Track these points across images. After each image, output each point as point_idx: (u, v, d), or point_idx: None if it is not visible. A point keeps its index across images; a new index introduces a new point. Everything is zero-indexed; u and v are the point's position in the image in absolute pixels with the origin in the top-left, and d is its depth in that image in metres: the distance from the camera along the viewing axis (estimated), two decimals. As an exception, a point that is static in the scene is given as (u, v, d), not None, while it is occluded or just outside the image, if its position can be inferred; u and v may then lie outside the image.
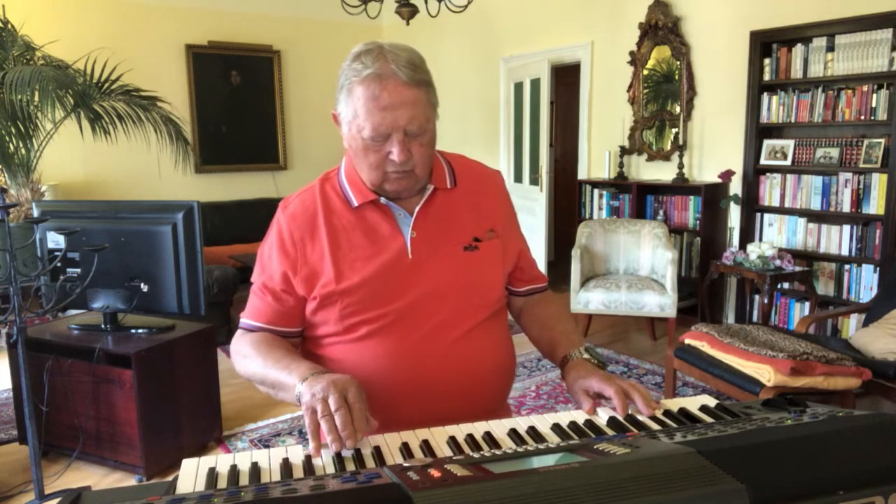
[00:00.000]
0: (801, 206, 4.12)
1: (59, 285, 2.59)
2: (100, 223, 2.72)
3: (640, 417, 1.05)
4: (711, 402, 1.07)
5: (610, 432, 1.00)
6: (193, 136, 6.49)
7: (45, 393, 2.59)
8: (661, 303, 4.01)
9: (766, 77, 4.18)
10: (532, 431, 1.00)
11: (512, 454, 0.81)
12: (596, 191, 5.31)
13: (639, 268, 4.42)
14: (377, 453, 0.93)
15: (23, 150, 4.47)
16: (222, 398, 3.03)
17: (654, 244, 4.32)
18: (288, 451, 0.94)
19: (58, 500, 2.18)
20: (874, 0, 3.60)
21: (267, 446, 1.81)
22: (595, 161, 5.51)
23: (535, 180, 5.95)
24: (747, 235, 4.39)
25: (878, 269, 3.76)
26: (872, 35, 3.65)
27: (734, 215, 4.53)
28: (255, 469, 0.88)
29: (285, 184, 7.10)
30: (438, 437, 0.99)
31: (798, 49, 4.00)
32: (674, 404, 1.08)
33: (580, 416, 1.07)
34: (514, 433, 1.00)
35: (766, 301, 3.80)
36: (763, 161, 4.27)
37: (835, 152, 3.90)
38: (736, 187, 4.47)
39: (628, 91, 5.11)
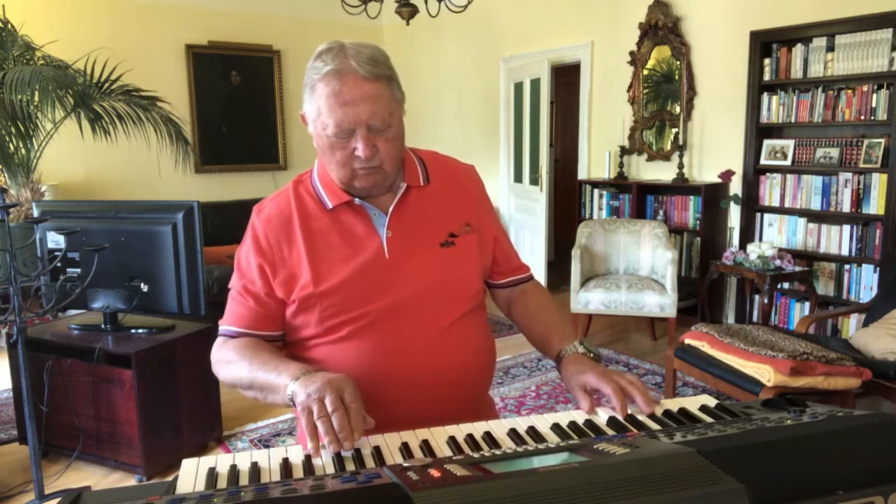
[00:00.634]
0: (801, 206, 4.12)
1: (59, 285, 2.59)
2: (100, 223, 2.72)
3: (639, 417, 1.05)
4: (711, 402, 1.07)
5: (610, 432, 1.00)
6: (193, 136, 6.49)
7: (45, 393, 2.59)
8: (661, 303, 4.01)
9: (766, 77, 4.18)
10: (532, 431, 1.00)
11: (512, 454, 0.81)
12: (596, 191, 5.31)
13: (639, 268, 4.42)
14: (377, 453, 0.93)
15: (23, 150, 4.47)
16: (222, 398, 3.03)
17: (654, 244, 4.32)
18: (288, 451, 0.94)
19: (58, 500, 2.18)
20: (874, 0, 3.60)
21: (267, 446, 1.81)
22: (595, 161, 5.51)
23: (535, 180, 5.95)
24: (747, 235, 4.39)
25: (878, 269, 3.76)
26: (872, 35, 3.65)
27: (734, 215, 4.53)
28: (255, 469, 0.88)
29: (285, 184, 7.09)
30: (438, 437, 0.99)
31: (798, 49, 4.00)
32: (674, 404, 1.08)
33: (580, 416, 1.07)
34: (514, 433, 1.00)
35: (766, 301, 3.80)
36: (763, 161, 4.27)
37: (835, 152, 3.90)
38: (736, 187, 4.47)
39: (628, 91, 5.11)
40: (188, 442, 2.79)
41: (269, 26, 6.87)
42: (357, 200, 1.23)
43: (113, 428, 2.62)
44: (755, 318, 4.36)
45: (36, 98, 4.15)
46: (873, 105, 3.69)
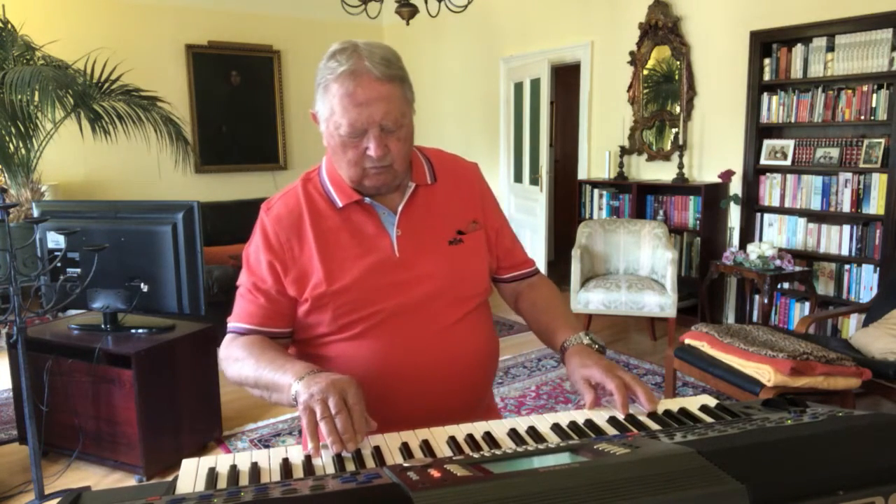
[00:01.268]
0: (801, 206, 4.12)
1: (59, 285, 2.59)
2: (100, 223, 2.72)
3: (640, 418, 1.05)
4: (711, 402, 1.07)
5: (610, 432, 1.00)
6: (193, 136, 6.49)
7: (45, 393, 2.59)
8: (661, 303, 4.01)
9: (766, 77, 4.18)
10: (532, 431, 1.00)
11: (512, 454, 0.81)
12: (596, 191, 5.31)
13: (639, 268, 4.42)
14: (377, 453, 0.93)
15: (23, 150, 4.48)
16: (222, 398, 3.03)
17: (654, 244, 4.32)
18: (288, 451, 0.94)
19: (58, 500, 2.18)
20: (874, 0, 3.60)
21: (267, 446, 1.81)
22: (595, 161, 5.51)
23: (535, 180, 5.95)
24: (747, 235, 4.39)
25: (878, 269, 3.76)
26: (872, 35, 3.65)
27: (734, 215, 4.53)
28: (255, 469, 0.88)
29: (285, 184, 7.00)
30: (438, 437, 0.99)
31: (798, 49, 4.00)
32: (674, 404, 1.08)
33: (580, 416, 1.07)
34: (514, 433, 1.00)
35: (766, 301, 3.80)
36: (763, 161, 4.27)
37: (835, 152, 3.90)
38: (736, 187, 4.47)
39: (628, 91, 5.11)
40: (188, 442, 2.79)
41: (269, 26, 6.87)
42: (367, 199, 1.24)
43: (113, 428, 2.62)
44: (755, 318, 4.36)
45: (36, 98, 4.15)
46: (873, 105, 3.69)
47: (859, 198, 3.83)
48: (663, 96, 4.92)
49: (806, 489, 0.66)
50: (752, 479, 0.66)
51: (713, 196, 4.48)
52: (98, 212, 2.81)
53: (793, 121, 4.09)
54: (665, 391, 3.19)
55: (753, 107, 4.24)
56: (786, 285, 4.15)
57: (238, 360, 1.18)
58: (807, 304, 4.05)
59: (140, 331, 2.73)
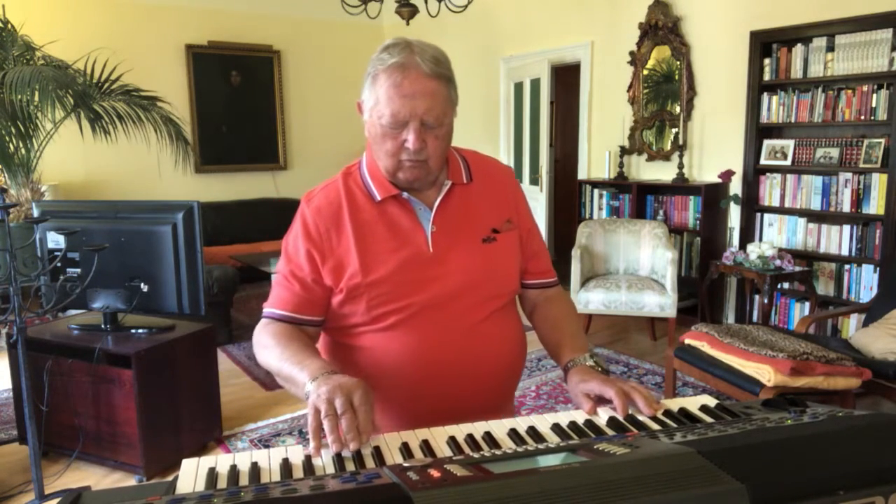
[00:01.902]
0: (801, 206, 4.12)
1: (59, 285, 2.59)
2: (100, 223, 2.72)
3: (640, 417, 1.05)
4: (711, 402, 1.07)
5: (610, 432, 1.00)
6: (193, 136, 6.49)
7: (45, 393, 2.59)
8: (661, 303, 4.01)
9: (766, 77, 4.18)
10: (532, 431, 1.00)
11: (512, 454, 0.81)
12: (596, 191, 5.31)
13: (639, 268, 4.42)
14: (377, 453, 0.93)
15: (23, 150, 4.48)
16: (222, 398, 3.03)
17: (654, 244, 4.32)
18: (288, 451, 0.94)
19: (58, 500, 2.18)
20: (874, 0, 3.60)
21: (267, 446, 1.81)
22: (595, 161, 5.51)
23: (535, 180, 5.95)
24: (747, 235, 4.39)
25: (878, 269, 3.76)
26: (872, 35, 3.65)
27: (734, 215, 4.53)
28: (255, 469, 0.88)
29: (285, 184, 7.11)
30: (438, 437, 0.99)
31: (798, 49, 4.00)
32: (674, 404, 1.08)
33: (580, 416, 1.07)
34: (514, 433, 1.00)
35: (766, 301, 3.80)
36: (763, 161, 4.27)
37: (835, 152, 3.90)
38: (736, 187, 4.47)
39: (628, 91, 5.11)
40: (188, 442, 2.79)
41: (269, 26, 6.87)
42: (404, 194, 1.26)
43: (113, 428, 2.62)
44: (755, 318, 4.36)
45: (36, 98, 4.15)
46: (873, 105, 3.69)
47: (859, 198, 3.83)
48: (663, 96, 4.92)
49: (806, 489, 0.66)
50: (751, 479, 0.66)
51: (713, 196, 4.48)
52: (98, 212, 2.81)
53: (793, 121, 4.09)
54: (665, 391, 3.19)
55: (753, 107, 4.24)
56: (786, 285, 4.15)
57: (266, 348, 1.22)
58: (807, 304, 4.05)
59: (140, 331, 2.73)
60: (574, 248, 4.33)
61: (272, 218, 6.70)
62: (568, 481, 0.66)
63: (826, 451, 0.73)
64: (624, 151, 5.13)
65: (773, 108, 4.18)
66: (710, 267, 4.26)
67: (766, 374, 2.54)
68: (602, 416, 1.06)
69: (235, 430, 3.10)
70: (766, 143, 4.26)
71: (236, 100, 6.78)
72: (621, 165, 5.12)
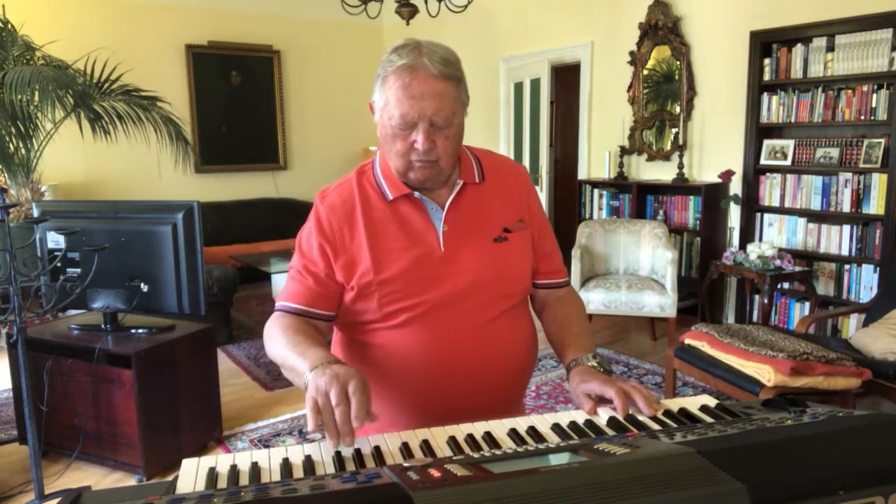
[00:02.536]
0: (801, 206, 4.12)
1: (59, 285, 2.59)
2: (100, 223, 2.72)
3: (640, 417, 1.05)
4: (711, 402, 1.07)
5: (610, 432, 1.00)
6: (193, 136, 6.49)
7: (45, 393, 2.59)
8: (661, 303, 4.01)
9: (766, 77, 4.18)
10: (532, 431, 1.00)
11: (512, 454, 0.81)
12: (596, 191, 5.30)
13: (639, 268, 4.42)
14: (377, 453, 0.93)
15: (23, 150, 4.47)
16: (222, 398, 3.03)
17: (654, 244, 4.32)
18: (288, 451, 0.94)
19: (58, 500, 2.18)
20: (874, 0, 3.60)
21: (267, 446, 1.81)
22: (595, 161, 5.51)
23: (535, 180, 5.95)
24: (747, 235, 4.39)
25: (878, 269, 3.76)
26: (872, 35, 3.65)
27: (734, 215, 4.53)
28: (255, 469, 0.88)
29: (285, 184, 7.11)
30: (438, 437, 0.99)
31: (798, 49, 4.00)
32: (674, 404, 1.08)
33: (580, 416, 1.07)
34: (514, 433, 1.00)
35: (766, 301, 3.80)
36: (763, 161, 4.27)
37: (835, 152, 3.90)
38: (736, 187, 4.47)
39: (628, 91, 5.11)
40: (188, 442, 2.79)
41: (269, 26, 6.87)
42: (416, 194, 1.27)
43: (113, 428, 2.62)
44: (755, 318, 4.36)
45: (36, 98, 4.15)
46: (873, 105, 3.69)
47: (859, 198, 3.83)
48: (663, 96, 4.92)
49: (806, 489, 0.66)
50: (751, 479, 0.66)
51: (713, 196, 4.48)
52: (98, 212, 2.81)
53: (793, 121, 4.09)
54: (665, 391, 3.19)
55: (753, 107, 4.23)
56: (786, 285, 4.15)
57: (274, 340, 1.23)
58: (807, 304, 4.05)
59: (140, 331, 2.73)
60: (574, 248, 4.33)
61: (272, 218, 6.71)
62: (568, 481, 0.66)
63: (826, 451, 0.73)
64: (624, 151, 5.13)
65: (773, 108, 4.18)
66: (710, 267, 4.26)
67: (766, 374, 2.54)
68: (602, 416, 1.06)
69: (235, 430, 3.10)
70: (766, 143, 4.26)
71: (236, 100, 6.78)
72: (621, 165, 5.11)
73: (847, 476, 0.68)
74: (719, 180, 4.47)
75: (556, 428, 1.02)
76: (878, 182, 3.72)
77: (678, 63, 4.73)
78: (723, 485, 0.65)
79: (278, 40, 6.95)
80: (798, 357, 2.51)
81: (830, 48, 3.84)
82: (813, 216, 4.09)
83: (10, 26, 4.48)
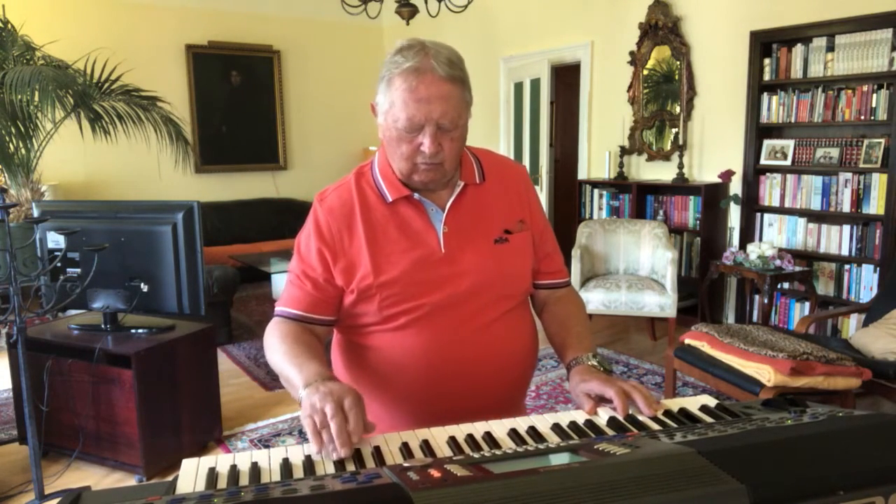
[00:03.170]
0: (801, 206, 4.12)
1: (59, 285, 2.59)
2: (100, 223, 2.72)
3: (640, 417, 1.05)
4: (711, 402, 1.07)
5: (610, 432, 1.00)
6: (193, 136, 6.49)
7: (45, 393, 2.59)
8: (661, 303, 4.01)
9: (766, 77, 4.18)
10: (532, 431, 1.00)
11: (512, 454, 0.81)
12: (596, 191, 5.30)
13: (639, 268, 4.42)
14: (377, 453, 0.93)
15: (23, 150, 4.47)
16: (222, 398, 3.03)
17: (654, 244, 4.32)
18: (288, 451, 0.94)
19: (58, 500, 2.18)
20: (874, 0, 3.60)
21: (267, 446, 1.81)
22: (595, 161, 5.51)
23: (535, 180, 5.95)
24: (747, 235, 4.39)
25: (878, 269, 3.76)
26: (872, 35, 3.65)
27: (734, 215, 4.53)
28: (255, 469, 0.88)
29: (285, 184, 7.11)
30: (438, 437, 0.99)
31: (798, 49, 4.00)
32: (674, 404, 1.08)
33: (580, 416, 1.07)
34: (514, 433, 1.00)
35: (766, 301, 3.80)
36: (763, 161, 4.27)
37: (835, 152, 3.90)
38: (736, 187, 4.47)
39: (628, 91, 5.11)
40: (188, 442, 2.79)
41: (269, 26, 6.87)
42: (416, 195, 1.26)
43: (113, 428, 2.62)
44: (755, 318, 4.36)
45: (36, 98, 4.15)
46: (873, 105, 3.69)
47: (859, 198, 3.83)
48: (663, 96, 4.92)
49: (806, 489, 0.66)
50: (752, 479, 0.66)
51: (713, 196, 4.48)
52: (98, 212, 2.81)
53: (793, 121, 4.09)
54: (665, 391, 3.19)
55: (753, 107, 4.23)
56: (786, 285, 4.15)
57: (272, 347, 1.22)
58: (807, 304, 4.05)
59: (140, 331, 2.73)
60: (574, 248, 4.33)
61: (272, 218, 6.71)
62: (568, 481, 0.66)
63: (826, 451, 0.73)
64: (624, 151, 5.13)
65: (773, 108, 4.18)
66: (710, 267, 4.26)
67: (766, 374, 2.54)
68: (602, 416, 1.06)
69: (235, 430, 3.10)
70: (766, 143, 4.26)
71: (236, 100, 6.78)
72: (621, 165, 5.11)
73: (847, 476, 0.68)
74: (719, 180, 4.47)
75: (556, 428, 1.02)
76: (878, 182, 3.72)
77: (678, 63, 4.73)
78: (723, 485, 0.65)
79: (278, 40, 6.95)
80: (798, 357, 2.51)
81: (830, 48, 3.84)
82: (813, 216, 4.09)
83: (10, 26, 4.48)
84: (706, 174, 4.67)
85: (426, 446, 0.96)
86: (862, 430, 0.77)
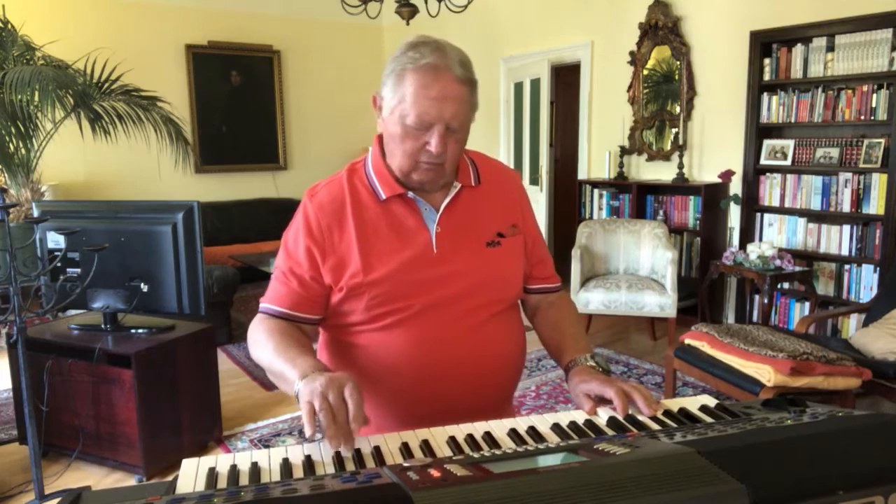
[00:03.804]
0: (801, 206, 4.12)
1: (59, 285, 2.59)
2: (100, 223, 2.72)
3: (640, 417, 1.05)
4: (711, 402, 1.07)
5: (610, 432, 1.00)
6: (193, 136, 6.49)
7: (45, 393, 2.59)
8: (661, 303, 4.00)
9: (766, 77, 4.18)
10: (532, 431, 1.00)
11: (512, 454, 0.81)
12: (596, 191, 5.31)
13: (639, 268, 4.42)
14: (377, 453, 0.93)
15: (23, 150, 4.48)
16: (222, 398, 3.03)
17: (654, 244, 4.32)
18: (288, 451, 0.94)
19: (58, 500, 2.18)
20: (874, 0, 3.60)
21: (267, 446, 1.81)
22: (595, 161, 5.51)
23: (535, 180, 5.95)
24: (747, 235, 4.39)
25: (878, 269, 3.76)
26: (872, 35, 3.65)
27: (734, 215, 4.53)
28: (255, 469, 0.88)
29: (285, 184, 7.10)
30: (438, 437, 0.99)
31: (798, 49, 4.00)
32: (674, 404, 1.08)
33: (580, 416, 1.07)
34: (514, 433, 1.00)
35: (766, 301, 3.80)
36: (763, 161, 4.27)
37: (835, 152, 3.90)
38: (736, 187, 4.47)
39: (628, 91, 5.11)
40: (188, 442, 2.79)
41: (269, 26, 6.87)
42: (410, 194, 1.25)
43: (113, 428, 2.62)
44: (755, 318, 4.36)
45: (36, 98, 4.15)
46: (873, 105, 3.69)
47: (859, 198, 3.83)
48: (663, 96, 4.92)
49: (806, 489, 0.66)
50: (752, 479, 0.66)
51: (713, 196, 4.48)
52: (98, 212, 2.81)
53: (793, 121, 4.09)
54: (665, 391, 3.19)
55: (753, 107, 4.23)
56: (786, 285, 4.15)
57: (259, 343, 1.21)
58: (807, 304, 4.05)
59: (140, 331, 2.73)
60: (574, 248, 4.33)
61: (272, 218, 6.71)
62: (568, 481, 0.66)
63: (826, 451, 0.73)
64: (624, 151, 5.13)
65: (773, 108, 4.18)
66: (710, 267, 4.26)
67: (766, 374, 2.54)
68: (602, 416, 1.06)
69: (235, 430, 3.10)
70: (766, 143, 4.26)
71: (236, 100, 6.78)
72: (621, 165, 5.12)
73: (847, 476, 0.68)
74: (719, 180, 4.47)
75: (556, 428, 1.02)
76: (878, 182, 3.72)
77: (678, 63, 4.73)
78: (723, 485, 0.65)
79: (278, 40, 6.95)
80: (798, 357, 2.51)
81: (830, 48, 3.84)
82: (813, 216, 4.09)
83: (10, 26, 4.48)
84: (706, 174, 4.67)
85: (426, 446, 0.96)
86: (862, 430, 0.77)
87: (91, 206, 2.96)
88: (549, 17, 5.74)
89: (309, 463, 0.91)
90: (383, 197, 1.25)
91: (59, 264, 2.68)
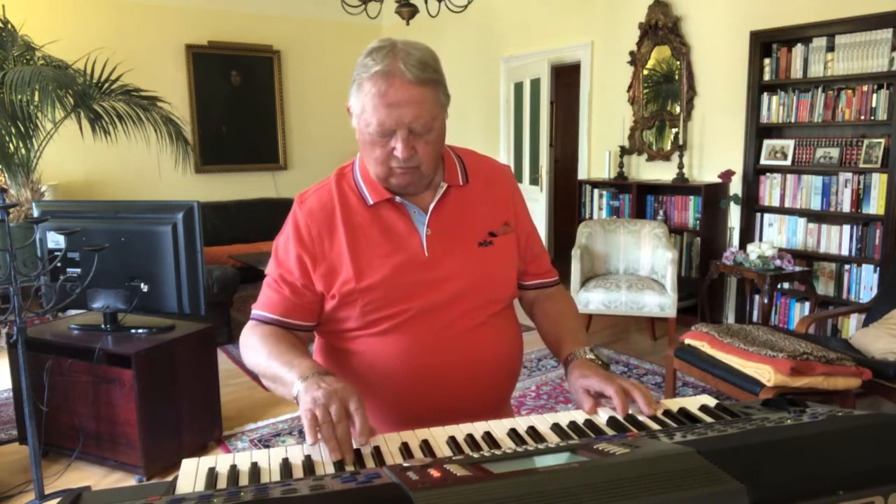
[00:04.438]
0: (801, 206, 4.12)
1: (59, 285, 2.59)
2: (100, 223, 2.72)
3: (640, 417, 1.04)
4: (711, 402, 1.07)
5: (610, 432, 1.00)
6: (193, 136, 6.49)
7: (45, 393, 2.59)
8: (661, 303, 4.01)
9: (766, 77, 4.18)
10: (532, 431, 1.00)
11: (512, 454, 0.81)
12: (596, 191, 5.31)
13: (639, 268, 4.42)
14: (377, 453, 0.93)
15: (23, 150, 4.47)
16: (222, 398, 3.03)
17: (654, 244, 4.32)
18: (288, 451, 0.93)
19: (58, 500, 2.18)
20: (874, 0, 3.60)
21: (267, 446, 1.81)
22: (595, 161, 5.51)
23: (535, 180, 5.95)
24: (747, 235, 4.39)
25: (878, 269, 3.76)
26: (872, 35, 3.65)
27: (734, 215, 4.53)
28: (255, 469, 0.88)
29: (285, 184, 7.11)
30: (438, 437, 0.99)
31: (798, 49, 4.00)
32: (674, 404, 1.08)
33: (580, 416, 1.07)
34: (514, 433, 1.00)
35: (766, 301, 3.80)
36: (763, 161, 4.27)
37: (835, 152, 3.90)
38: (736, 187, 4.47)
39: (628, 91, 5.11)
40: (188, 442, 2.79)
41: (269, 26, 6.87)
42: (398, 198, 1.24)
43: (113, 428, 2.62)
44: (755, 318, 4.36)
45: (36, 98, 4.15)
46: (873, 105, 3.69)
47: (859, 198, 3.83)
48: (663, 96, 4.92)
49: (806, 489, 0.66)
50: (752, 479, 0.66)
51: (713, 196, 4.48)
52: (98, 212, 2.81)
53: (793, 121, 4.09)
54: (665, 391, 3.19)
55: (753, 107, 4.24)
56: (786, 285, 4.15)
57: (252, 349, 1.20)
58: (807, 304, 4.05)
59: (140, 331, 2.73)
60: (574, 248, 4.33)
61: (272, 218, 6.69)
62: (568, 481, 0.66)
63: (826, 451, 0.73)
64: (624, 151, 5.13)
65: (773, 108, 4.18)
66: (710, 267, 4.27)
67: (766, 374, 2.54)
68: (602, 416, 1.06)
69: (235, 430, 3.10)
70: (766, 143, 4.26)
71: (236, 100, 6.78)
72: (621, 165, 5.11)
73: (847, 476, 0.68)
74: (719, 180, 4.47)
75: (556, 428, 1.02)
76: (878, 182, 3.72)
77: (678, 63, 4.73)
78: (723, 485, 0.65)
79: (278, 40, 6.95)
80: (798, 357, 2.51)
81: (830, 48, 3.84)
82: (813, 216, 4.09)
83: (10, 26, 4.48)
84: (706, 174, 4.67)
85: (426, 446, 0.96)
86: (862, 430, 0.77)
87: (91, 206, 2.96)
88: (549, 17, 5.74)
89: (309, 463, 0.91)
90: (371, 202, 1.24)
91: (59, 264, 2.68)
